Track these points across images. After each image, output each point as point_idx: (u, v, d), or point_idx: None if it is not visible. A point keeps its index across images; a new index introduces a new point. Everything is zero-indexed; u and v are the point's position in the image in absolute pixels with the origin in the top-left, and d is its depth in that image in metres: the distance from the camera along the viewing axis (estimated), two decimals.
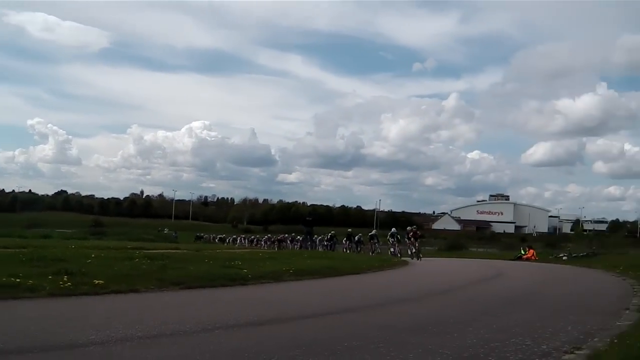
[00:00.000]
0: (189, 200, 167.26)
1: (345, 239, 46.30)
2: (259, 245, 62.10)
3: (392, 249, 39.08)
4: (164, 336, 8.01)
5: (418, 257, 36.01)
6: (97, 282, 12.25)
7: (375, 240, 41.93)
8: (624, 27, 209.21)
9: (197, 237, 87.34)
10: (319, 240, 50.20)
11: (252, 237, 73.13)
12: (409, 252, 37.86)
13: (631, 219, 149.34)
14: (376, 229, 63.17)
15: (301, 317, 10.25)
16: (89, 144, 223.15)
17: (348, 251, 43.25)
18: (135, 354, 6.92)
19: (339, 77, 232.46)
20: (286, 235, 57.92)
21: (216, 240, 79.75)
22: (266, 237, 64.58)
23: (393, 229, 40.79)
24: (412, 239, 37.71)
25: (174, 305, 11.20)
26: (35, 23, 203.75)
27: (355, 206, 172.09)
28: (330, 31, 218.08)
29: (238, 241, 72.87)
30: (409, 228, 39.35)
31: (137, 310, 10.44)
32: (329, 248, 46.60)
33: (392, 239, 39.68)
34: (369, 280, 19.12)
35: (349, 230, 48.67)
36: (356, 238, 44.72)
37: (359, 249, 43.42)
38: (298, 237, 54.40)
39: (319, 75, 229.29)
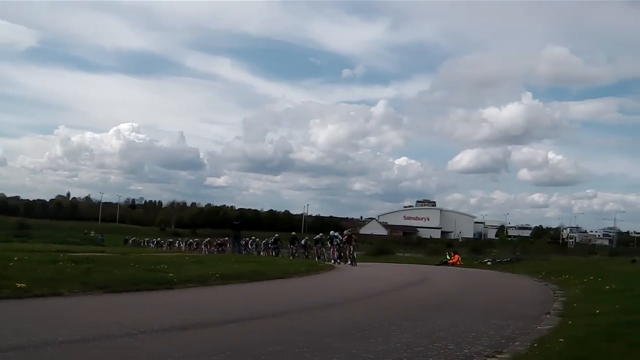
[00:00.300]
0: (116, 203, 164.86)
1: (289, 243, 45.84)
2: (199, 250, 61.16)
3: (334, 254, 37.88)
4: (87, 341, 7.82)
5: (353, 262, 34.95)
6: (19, 285, 11.93)
7: (321, 245, 41.31)
8: (549, 39, 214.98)
9: (127, 240, 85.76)
10: (264, 244, 49.81)
11: (191, 240, 71.73)
12: (339, 257, 36.82)
13: (554, 225, 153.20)
14: (301, 232, 62.85)
15: (226, 322, 10.13)
16: (14, 144, 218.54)
17: (292, 257, 42.86)
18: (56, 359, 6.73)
19: (269, 82, 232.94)
20: (227, 238, 57.11)
21: (151, 244, 78.39)
22: (206, 240, 63.30)
23: (332, 232, 40.10)
24: (346, 243, 36.75)
25: (98, 309, 10.98)
26: None
27: (283, 211, 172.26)
28: (261, 36, 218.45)
29: (177, 245, 71.70)
30: (345, 232, 38.89)
31: (61, 314, 10.19)
32: (274, 252, 45.96)
33: (331, 244, 38.57)
34: (295, 284, 19.09)
35: (293, 233, 48.61)
36: (302, 242, 44.34)
37: (306, 253, 42.94)
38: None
39: (248, 79, 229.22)
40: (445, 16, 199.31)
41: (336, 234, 39.22)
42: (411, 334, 9.21)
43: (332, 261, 36.33)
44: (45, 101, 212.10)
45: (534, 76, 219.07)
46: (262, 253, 47.40)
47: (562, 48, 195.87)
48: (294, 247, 44.85)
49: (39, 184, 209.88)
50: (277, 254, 44.80)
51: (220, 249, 54.35)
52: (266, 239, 50.09)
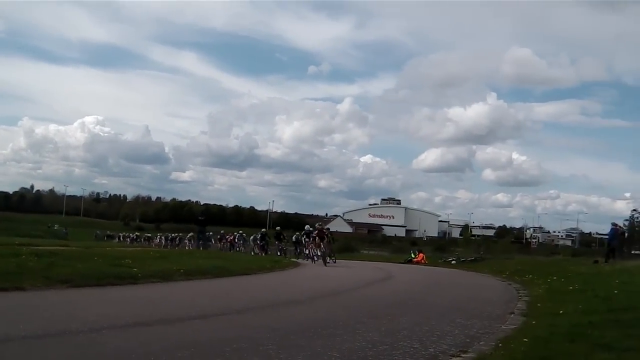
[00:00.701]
0: (81, 196, 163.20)
1: (275, 239, 44.53)
2: (181, 245, 60.09)
3: (306, 251, 36.73)
4: (49, 336, 7.72)
5: (331, 259, 32.51)
6: None
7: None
8: (513, 40, 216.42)
9: (98, 234, 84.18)
10: (252, 239, 47.40)
11: (173, 235, 69.97)
12: (310, 254, 34.97)
13: (517, 225, 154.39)
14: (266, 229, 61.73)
15: (190, 318, 10.05)
16: None
17: (281, 254, 41.36)
18: (18, 354, 6.62)
19: (234, 77, 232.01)
20: (211, 233, 56.01)
21: (127, 239, 77.08)
22: (190, 235, 61.36)
23: (307, 227, 38.61)
24: (317, 238, 33.95)
25: (61, 304, 10.87)
26: None
27: (248, 206, 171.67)
28: (227, 30, 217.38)
29: (157, 240, 69.82)
30: (316, 226, 36.41)
31: (22, 309, 10.02)
32: (262, 249, 43.37)
33: (307, 239, 36.99)
34: (260, 281, 19.04)
35: (278, 228, 47.42)
36: (294, 238, 42.60)
37: (298, 250, 40.85)
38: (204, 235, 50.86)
39: (214, 74, 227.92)
40: (410, 15, 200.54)
41: (311, 229, 37.31)
42: (376, 332, 9.22)
43: (314, 258, 33.94)
44: (9, 92, 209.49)
45: (499, 77, 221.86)
46: (254, 250, 45.13)
47: (525, 49, 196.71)
48: (281, 244, 43.38)
49: (1, 176, 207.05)
50: (266, 252, 42.43)
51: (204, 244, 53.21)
52: (254, 235, 47.91)
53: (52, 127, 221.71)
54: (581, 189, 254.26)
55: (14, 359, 6.48)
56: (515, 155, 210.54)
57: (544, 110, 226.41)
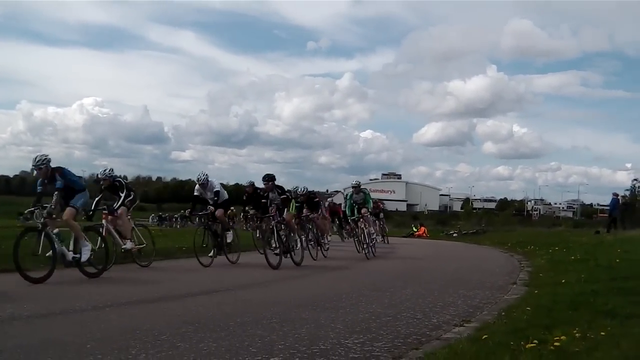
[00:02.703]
0: (81, 177, 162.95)
1: None
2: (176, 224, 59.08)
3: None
4: (53, 315, 7.76)
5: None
6: None
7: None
8: (513, 12, 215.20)
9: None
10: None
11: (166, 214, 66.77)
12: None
13: (518, 197, 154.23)
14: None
15: (192, 295, 10.09)
16: None
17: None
18: (22, 333, 6.63)
19: (233, 55, 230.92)
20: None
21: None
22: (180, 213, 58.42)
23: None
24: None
25: (64, 284, 10.88)
26: None
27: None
28: (224, 9, 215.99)
29: (150, 220, 67.07)
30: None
31: (24, 289, 10.04)
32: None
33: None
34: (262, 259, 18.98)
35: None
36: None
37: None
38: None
39: (212, 52, 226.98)
40: None
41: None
42: (379, 305, 9.24)
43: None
44: (7, 76, 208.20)
45: (499, 49, 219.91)
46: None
47: (526, 21, 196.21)
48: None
49: (1, 159, 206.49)
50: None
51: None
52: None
53: (51, 109, 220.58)
54: (582, 161, 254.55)
55: (19, 337, 6.49)
56: (516, 128, 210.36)
57: (545, 82, 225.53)
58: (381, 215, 31.64)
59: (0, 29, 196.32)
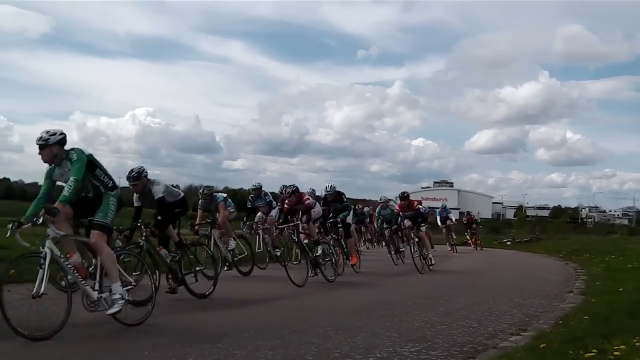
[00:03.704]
0: None
1: None
2: None
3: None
4: (109, 322, 7.88)
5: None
6: None
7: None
8: (564, 16, 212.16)
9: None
10: None
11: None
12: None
13: (572, 205, 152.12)
14: None
15: (248, 303, 10.18)
16: (30, 131, 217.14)
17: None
18: (83, 340, 6.77)
19: (283, 64, 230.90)
20: None
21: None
22: None
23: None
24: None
25: None
26: None
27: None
28: (273, 18, 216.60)
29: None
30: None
31: None
32: None
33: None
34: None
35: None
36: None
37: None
38: None
39: (262, 61, 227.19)
40: None
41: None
42: (434, 313, 9.24)
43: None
44: (60, 87, 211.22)
45: (550, 54, 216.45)
46: None
47: (577, 25, 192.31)
48: None
49: None
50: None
51: None
52: None
53: (104, 120, 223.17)
54: (637, 167, 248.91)
55: (81, 343, 6.61)
56: (569, 134, 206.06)
57: (598, 87, 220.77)
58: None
59: (52, 41, 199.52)
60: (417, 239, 17.78)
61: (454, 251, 29.21)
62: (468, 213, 35.95)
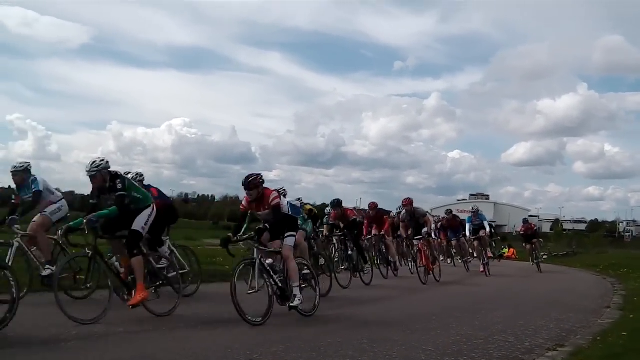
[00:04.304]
0: (170, 197, 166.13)
1: None
2: None
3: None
4: (146, 331, 7.95)
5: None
6: None
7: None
8: (604, 28, 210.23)
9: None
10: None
11: None
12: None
13: (610, 219, 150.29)
14: None
15: (280, 314, 10.19)
16: (68, 140, 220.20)
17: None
18: (119, 349, 6.85)
19: (319, 75, 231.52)
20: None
21: None
22: None
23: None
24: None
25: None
26: (13, 18, 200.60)
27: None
28: (310, 29, 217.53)
29: None
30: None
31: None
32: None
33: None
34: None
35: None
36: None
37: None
38: None
39: (298, 73, 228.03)
40: (495, 6, 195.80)
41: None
42: (470, 327, 9.19)
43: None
44: (98, 97, 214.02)
45: (589, 66, 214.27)
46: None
47: (617, 37, 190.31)
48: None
49: None
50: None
51: None
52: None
53: (140, 130, 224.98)
54: None
55: (112, 352, 6.69)
56: (607, 147, 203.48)
57: (637, 99, 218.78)
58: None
59: (91, 51, 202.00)
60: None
61: (487, 273, 21.43)
62: (526, 221, 27.72)
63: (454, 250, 25.55)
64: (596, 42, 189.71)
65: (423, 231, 17.39)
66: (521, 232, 27.06)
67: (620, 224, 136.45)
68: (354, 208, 19.37)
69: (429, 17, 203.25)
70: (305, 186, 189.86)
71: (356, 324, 9.34)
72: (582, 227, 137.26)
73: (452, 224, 24.63)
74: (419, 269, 17.51)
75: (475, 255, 23.53)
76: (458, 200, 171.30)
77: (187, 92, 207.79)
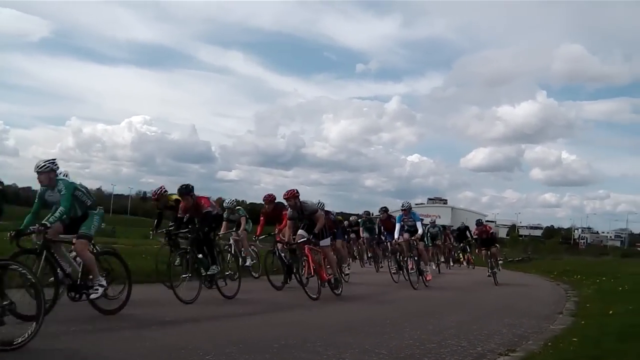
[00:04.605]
0: (128, 195, 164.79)
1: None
2: None
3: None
4: (99, 331, 7.85)
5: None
6: None
7: None
8: (564, 36, 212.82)
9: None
10: None
11: None
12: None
13: (565, 225, 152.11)
14: None
15: (237, 315, 10.15)
16: (26, 135, 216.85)
17: None
18: (70, 349, 6.75)
19: (281, 76, 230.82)
20: None
21: None
22: None
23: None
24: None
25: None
26: None
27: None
28: (274, 29, 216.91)
29: None
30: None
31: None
32: None
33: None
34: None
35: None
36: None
37: None
38: None
39: (260, 73, 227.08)
40: (458, 12, 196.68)
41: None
42: (423, 331, 9.22)
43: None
44: (58, 92, 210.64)
45: (549, 74, 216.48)
46: None
47: (577, 45, 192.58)
48: None
49: None
50: None
51: None
52: None
53: (100, 126, 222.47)
54: (632, 189, 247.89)
55: (66, 352, 6.59)
56: (565, 155, 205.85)
57: (596, 108, 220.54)
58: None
59: (51, 45, 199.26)
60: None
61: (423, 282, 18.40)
62: (480, 223, 24.19)
63: (388, 253, 21.41)
64: (556, 51, 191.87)
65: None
66: (475, 235, 25.02)
67: (576, 231, 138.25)
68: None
69: (392, 21, 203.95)
70: (264, 187, 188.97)
71: (310, 326, 9.32)
72: (538, 233, 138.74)
73: (386, 224, 21.15)
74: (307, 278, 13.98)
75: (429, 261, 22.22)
76: (416, 204, 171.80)
77: (148, 90, 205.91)
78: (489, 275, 21.16)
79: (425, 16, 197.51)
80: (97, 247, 10.12)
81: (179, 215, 13.06)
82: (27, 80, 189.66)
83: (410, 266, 17.85)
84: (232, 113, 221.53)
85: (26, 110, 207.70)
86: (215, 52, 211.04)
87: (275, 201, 16.73)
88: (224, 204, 17.06)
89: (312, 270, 13.44)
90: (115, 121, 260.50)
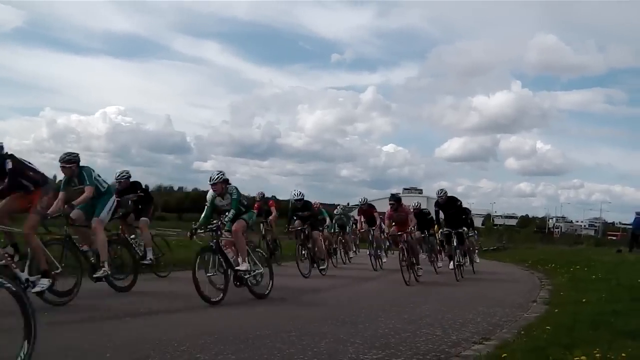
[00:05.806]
0: None
1: None
2: None
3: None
4: (71, 322, 7.80)
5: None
6: None
7: None
8: (539, 27, 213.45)
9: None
10: None
11: None
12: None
13: (540, 214, 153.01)
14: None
15: (209, 306, 10.12)
16: (0, 126, 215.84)
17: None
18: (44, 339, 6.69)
19: (257, 67, 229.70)
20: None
21: None
22: None
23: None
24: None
25: (86, 297, 10.93)
26: None
27: (270, 196, 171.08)
28: (249, 19, 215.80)
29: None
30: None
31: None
32: None
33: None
34: (287, 270, 18.95)
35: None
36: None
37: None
38: None
39: (236, 63, 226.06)
40: (432, 3, 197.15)
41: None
42: (398, 320, 9.25)
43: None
44: (31, 83, 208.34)
45: (523, 64, 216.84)
46: None
47: (551, 36, 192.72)
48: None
49: None
50: None
51: None
52: None
53: (74, 117, 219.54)
54: (606, 178, 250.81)
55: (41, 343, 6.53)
56: (539, 144, 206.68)
57: (570, 98, 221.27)
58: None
59: (25, 35, 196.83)
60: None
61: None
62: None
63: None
64: (531, 41, 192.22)
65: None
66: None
67: (550, 220, 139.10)
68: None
69: (367, 10, 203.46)
70: (239, 177, 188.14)
71: (285, 316, 9.34)
72: (513, 222, 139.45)
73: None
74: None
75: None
76: (392, 194, 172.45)
77: (122, 80, 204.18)
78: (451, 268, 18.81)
79: (400, 7, 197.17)
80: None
81: None
82: (0, 71, 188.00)
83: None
84: (207, 103, 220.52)
85: None
86: (190, 43, 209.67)
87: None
88: None
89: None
90: (90, 112, 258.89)
